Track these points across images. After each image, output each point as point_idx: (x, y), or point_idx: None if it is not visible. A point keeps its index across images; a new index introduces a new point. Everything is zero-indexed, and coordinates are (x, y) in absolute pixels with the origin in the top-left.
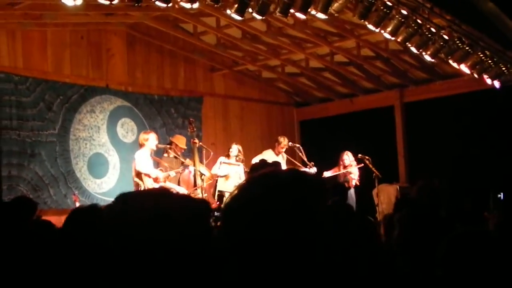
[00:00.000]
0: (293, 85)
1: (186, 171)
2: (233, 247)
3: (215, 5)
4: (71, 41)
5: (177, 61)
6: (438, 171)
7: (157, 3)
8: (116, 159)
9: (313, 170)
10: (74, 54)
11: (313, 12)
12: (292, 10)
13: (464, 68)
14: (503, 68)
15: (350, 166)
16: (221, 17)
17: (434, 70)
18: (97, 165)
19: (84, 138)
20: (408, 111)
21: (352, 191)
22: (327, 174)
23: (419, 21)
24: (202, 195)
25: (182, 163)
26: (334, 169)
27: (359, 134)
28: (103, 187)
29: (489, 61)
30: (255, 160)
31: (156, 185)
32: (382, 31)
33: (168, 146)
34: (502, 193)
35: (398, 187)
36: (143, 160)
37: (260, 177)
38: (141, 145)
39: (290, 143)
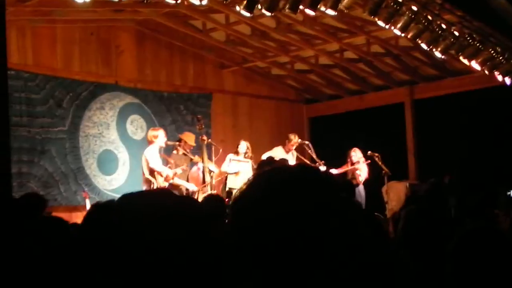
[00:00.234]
0: (302, 82)
1: (195, 168)
2: (241, 244)
3: (224, 2)
4: (81, 37)
5: (187, 58)
6: (448, 168)
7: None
8: (125, 156)
9: (323, 168)
10: (84, 51)
11: (323, 8)
12: (301, 7)
13: (474, 64)
14: None
15: (357, 163)
16: (230, 13)
17: (445, 66)
18: (107, 162)
19: (93, 135)
20: (418, 108)
21: (360, 188)
22: (334, 172)
23: (429, 17)
24: (211, 192)
25: (191, 160)
26: (342, 167)
27: (368, 131)
28: (113, 184)
29: (500, 58)
30: (265, 156)
31: (167, 184)
32: (392, 28)
33: (177, 143)
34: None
35: (407, 184)
36: (155, 157)
37: (268, 172)
38: (150, 142)
39: (300, 140)
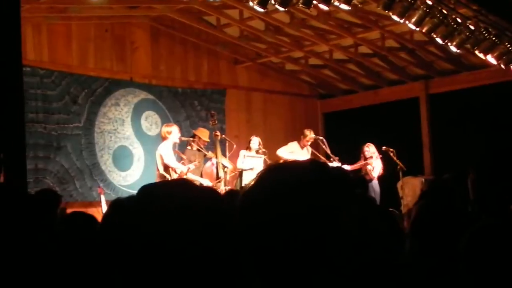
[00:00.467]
0: (316, 77)
1: (209, 163)
2: (250, 238)
3: None
4: (96, 34)
5: (201, 54)
6: (463, 163)
7: None
8: (140, 151)
9: (337, 164)
10: (99, 47)
11: (336, 3)
12: (315, 1)
13: (490, 59)
14: None
15: (370, 158)
16: (244, 9)
17: (460, 61)
18: (122, 158)
19: (108, 131)
20: (434, 103)
21: (375, 183)
22: (347, 168)
23: (444, 11)
24: (225, 187)
25: (205, 155)
26: (356, 163)
27: (383, 126)
28: (128, 180)
29: None
30: (280, 151)
31: None
32: (407, 22)
33: (191, 139)
34: None
35: (423, 179)
36: (169, 153)
37: (278, 166)
38: (163, 138)
39: (314, 136)
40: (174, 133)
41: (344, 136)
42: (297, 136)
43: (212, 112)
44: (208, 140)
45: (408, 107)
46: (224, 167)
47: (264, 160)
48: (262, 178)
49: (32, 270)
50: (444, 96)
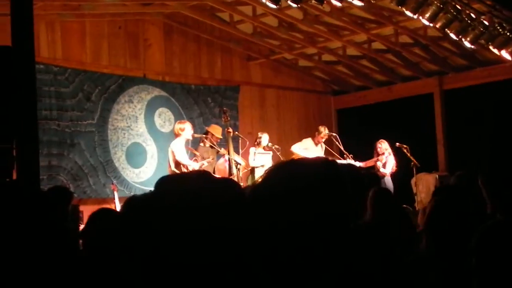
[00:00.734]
0: (330, 73)
1: (222, 159)
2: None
3: None
4: (109, 31)
5: (214, 50)
6: (477, 159)
7: None
8: (153, 148)
9: (350, 161)
10: (112, 44)
11: None
12: None
13: (505, 54)
14: None
15: (382, 155)
16: (257, 5)
17: (474, 56)
18: (135, 155)
19: (122, 128)
20: (448, 99)
21: (388, 180)
22: (359, 165)
23: (458, 6)
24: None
25: (218, 152)
26: (369, 160)
27: (397, 123)
28: (141, 177)
29: None
30: (294, 147)
31: None
32: (420, 18)
33: (204, 135)
34: None
35: (437, 176)
36: (181, 150)
37: (285, 164)
38: (176, 135)
39: (329, 132)
40: (187, 130)
41: (358, 132)
42: (311, 133)
43: (225, 108)
44: (221, 137)
45: (422, 103)
46: (237, 164)
47: (272, 156)
48: (269, 175)
49: (39, 268)
50: (458, 92)
